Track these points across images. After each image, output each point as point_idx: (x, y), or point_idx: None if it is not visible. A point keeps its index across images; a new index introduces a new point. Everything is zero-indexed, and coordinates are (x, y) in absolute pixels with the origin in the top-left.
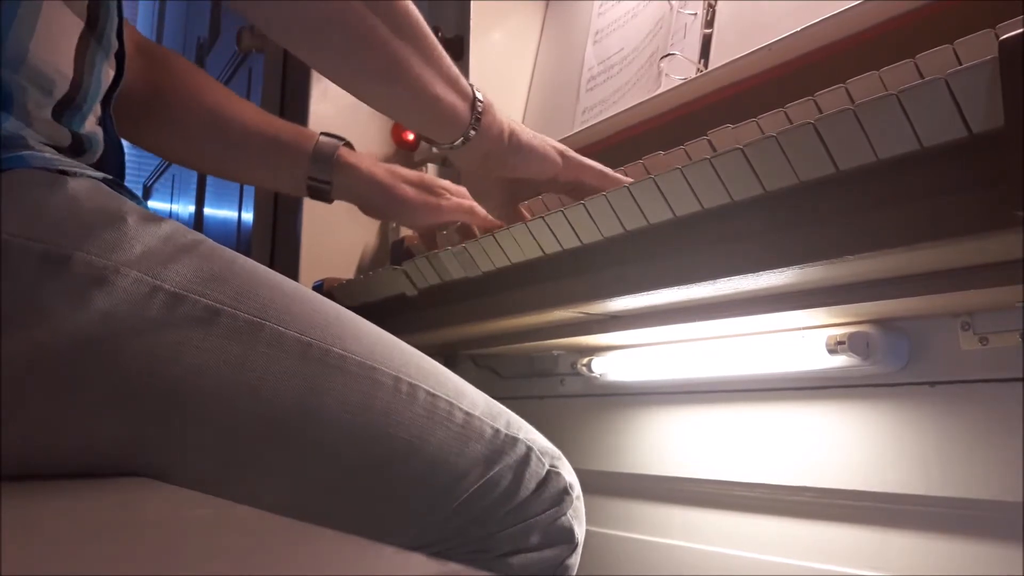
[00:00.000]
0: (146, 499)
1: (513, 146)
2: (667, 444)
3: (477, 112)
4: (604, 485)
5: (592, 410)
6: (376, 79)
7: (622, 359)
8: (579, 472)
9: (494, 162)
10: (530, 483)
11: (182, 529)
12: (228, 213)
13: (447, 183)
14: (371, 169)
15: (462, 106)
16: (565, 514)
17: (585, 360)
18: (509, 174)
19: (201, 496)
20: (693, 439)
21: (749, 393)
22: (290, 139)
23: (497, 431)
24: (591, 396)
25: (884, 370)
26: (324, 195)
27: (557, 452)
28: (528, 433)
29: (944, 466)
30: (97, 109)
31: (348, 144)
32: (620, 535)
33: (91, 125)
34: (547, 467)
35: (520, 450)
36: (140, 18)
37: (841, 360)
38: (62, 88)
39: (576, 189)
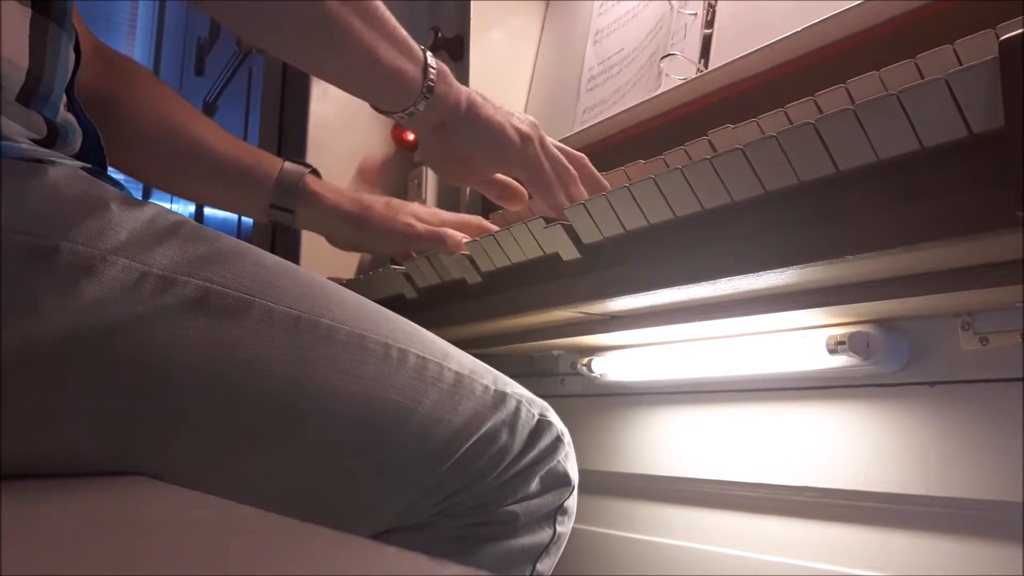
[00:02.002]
0: (146, 499)
1: (470, 118)
2: (667, 444)
3: (429, 79)
4: (604, 485)
5: (592, 410)
6: (311, 41)
7: (622, 359)
8: (579, 472)
9: (449, 134)
10: (523, 434)
11: (182, 529)
12: (228, 213)
13: (416, 207)
14: (336, 200)
15: (412, 71)
16: (559, 459)
17: (585, 360)
18: (466, 150)
19: (201, 496)
20: (693, 439)
21: (749, 393)
22: (253, 163)
23: (487, 387)
24: (591, 396)
25: (884, 370)
26: (286, 225)
27: (544, 403)
28: (515, 387)
29: (944, 466)
30: (64, 96)
31: (315, 172)
32: (620, 535)
33: (63, 114)
34: (537, 416)
35: (511, 404)
36: (140, 18)
37: (841, 360)
38: (16, 80)
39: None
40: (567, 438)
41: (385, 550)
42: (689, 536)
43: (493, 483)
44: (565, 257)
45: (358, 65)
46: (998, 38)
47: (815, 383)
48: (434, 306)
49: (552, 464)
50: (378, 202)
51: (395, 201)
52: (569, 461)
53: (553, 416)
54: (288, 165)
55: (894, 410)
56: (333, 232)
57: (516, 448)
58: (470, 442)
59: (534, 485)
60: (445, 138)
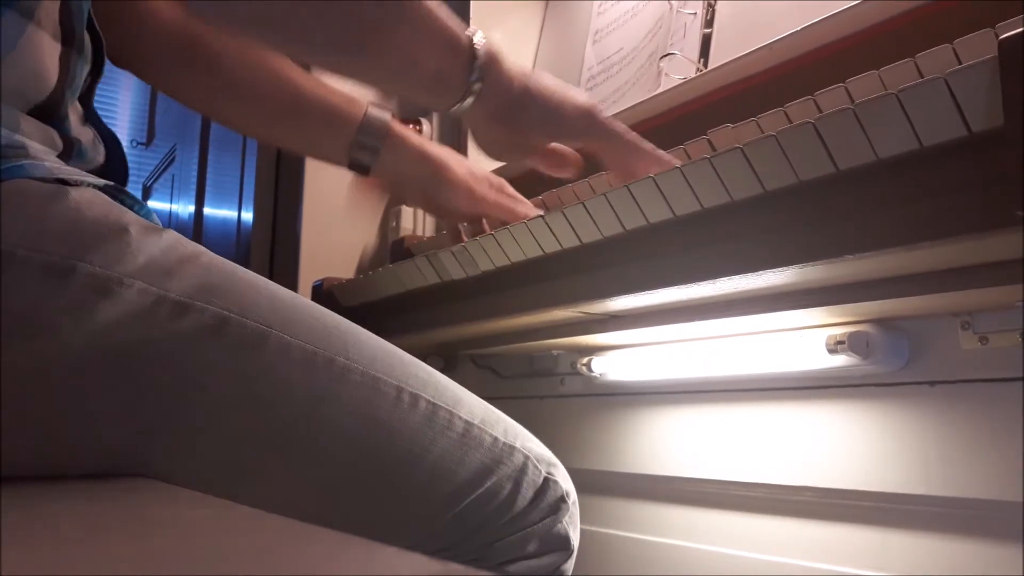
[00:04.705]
0: (147, 499)
1: (526, 103)
2: (667, 444)
3: (478, 68)
4: (604, 485)
5: (592, 410)
6: (341, 46)
7: (622, 359)
8: (579, 472)
9: (501, 122)
10: (528, 492)
11: (183, 529)
12: (228, 213)
13: (493, 177)
14: (422, 144)
15: (456, 65)
16: (561, 521)
17: (585, 360)
18: (521, 137)
19: (202, 496)
20: (693, 439)
21: (749, 393)
22: (341, 103)
23: (495, 439)
24: (591, 396)
25: (884, 370)
26: (365, 166)
27: (553, 459)
28: (525, 441)
29: (944, 466)
30: (77, 107)
31: (395, 117)
32: (620, 535)
33: (77, 127)
34: (544, 475)
35: (518, 459)
36: None
37: (841, 360)
38: (35, 101)
39: (605, 161)
40: (572, 498)
41: (385, 550)
42: (689, 536)
43: (490, 539)
44: (564, 246)
45: (393, 69)
46: (998, 37)
47: (815, 383)
48: (434, 306)
49: (554, 527)
50: (455, 156)
51: (466, 160)
52: (572, 524)
53: (560, 474)
54: (373, 107)
55: (894, 410)
56: (412, 176)
57: (519, 506)
58: (474, 495)
59: (532, 546)
60: (501, 127)
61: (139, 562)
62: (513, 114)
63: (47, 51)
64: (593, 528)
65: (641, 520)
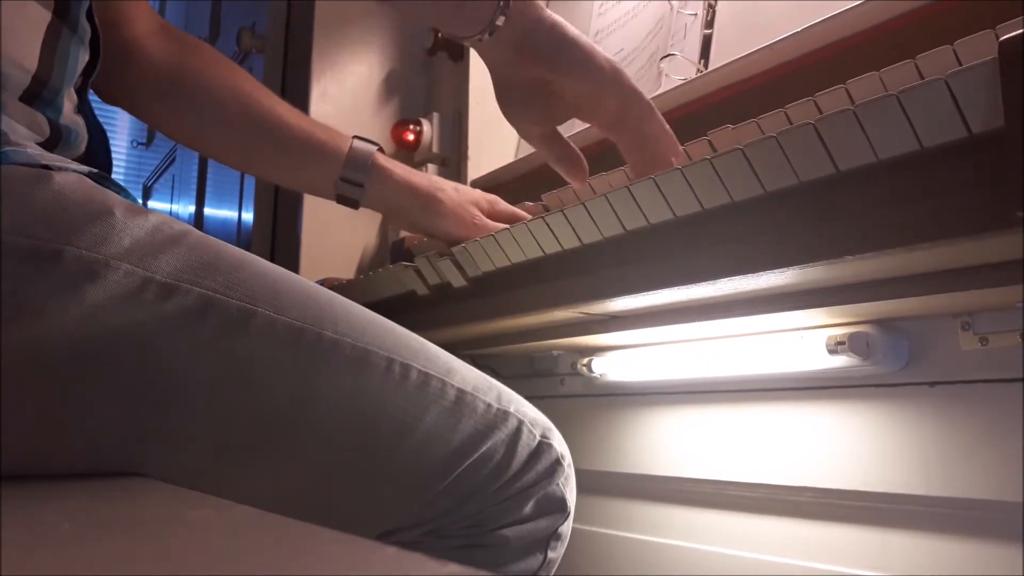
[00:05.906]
0: (146, 499)
1: (555, 35)
2: (667, 444)
3: None
4: (604, 485)
5: (592, 410)
6: None
7: (622, 359)
8: (579, 472)
9: (528, 54)
10: (522, 455)
11: (182, 529)
12: (228, 213)
13: (478, 195)
14: (408, 176)
15: None
16: (556, 483)
17: (585, 360)
18: (547, 72)
19: (201, 496)
20: (693, 439)
21: (749, 393)
22: (325, 138)
23: (489, 405)
24: (591, 396)
25: (884, 370)
26: (353, 200)
27: (548, 423)
28: (519, 405)
29: (944, 466)
30: (73, 96)
31: (381, 150)
32: (620, 535)
33: (69, 115)
34: (538, 438)
35: (512, 423)
36: None
37: (841, 360)
38: (21, 83)
39: (621, 134)
40: (567, 461)
41: (385, 550)
42: (689, 536)
43: (486, 503)
44: (565, 246)
45: None
46: (998, 38)
47: (815, 383)
48: (434, 306)
49: (549, 488)
50: (448, 185)
51: (462, 187)
52: (568, 486)
53: (555, 438)
54: (357, 141)
55: (894, 410)
56: (400, 207)
57: (513, 469)
58: (468, 462)
59: (528, 508)
60: (527, 61)
61: (139, 562)
62: (543, 45)
63: (31, 12)
64: (593, 528)
65: (641, 520)
